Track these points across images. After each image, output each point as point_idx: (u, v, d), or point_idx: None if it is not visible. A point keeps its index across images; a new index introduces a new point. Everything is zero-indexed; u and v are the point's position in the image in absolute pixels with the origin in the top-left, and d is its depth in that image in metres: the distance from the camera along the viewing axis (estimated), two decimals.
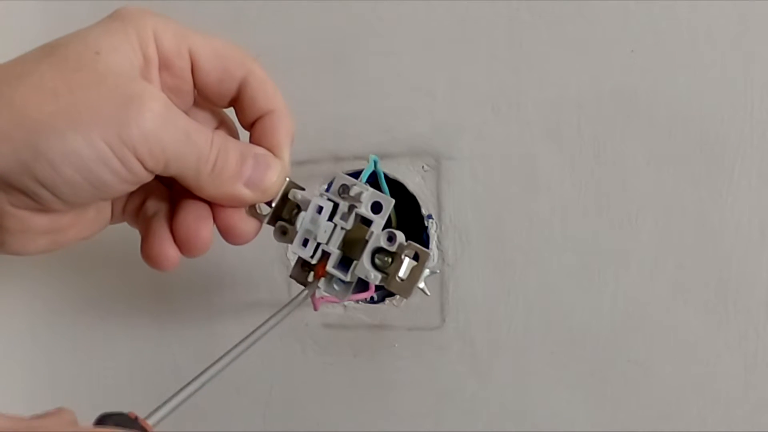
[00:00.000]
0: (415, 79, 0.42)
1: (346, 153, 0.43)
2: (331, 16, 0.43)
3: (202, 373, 0.28)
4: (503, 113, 0.40)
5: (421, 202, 0.42)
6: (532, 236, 0.40)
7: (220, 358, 0.28)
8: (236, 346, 0.29)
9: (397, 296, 0.42)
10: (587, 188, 0.39)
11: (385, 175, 0.42)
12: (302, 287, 0.34)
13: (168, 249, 0.31)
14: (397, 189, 0.42)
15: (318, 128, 0.43)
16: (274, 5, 0.44)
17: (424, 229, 0.42)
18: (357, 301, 0.43)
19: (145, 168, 0.27)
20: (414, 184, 0.42)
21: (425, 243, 0.42)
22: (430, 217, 0.42)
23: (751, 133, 0.36)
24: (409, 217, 0.42)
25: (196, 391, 0.27)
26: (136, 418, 0.24)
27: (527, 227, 0.40)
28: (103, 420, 0.24)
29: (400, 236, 0.32)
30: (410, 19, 0.41)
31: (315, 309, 0.35)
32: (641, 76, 0.38)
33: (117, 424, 0.23)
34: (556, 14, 0.39)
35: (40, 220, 0.28)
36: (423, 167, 0.42)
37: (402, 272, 0.32)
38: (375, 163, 0.36)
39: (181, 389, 0.27)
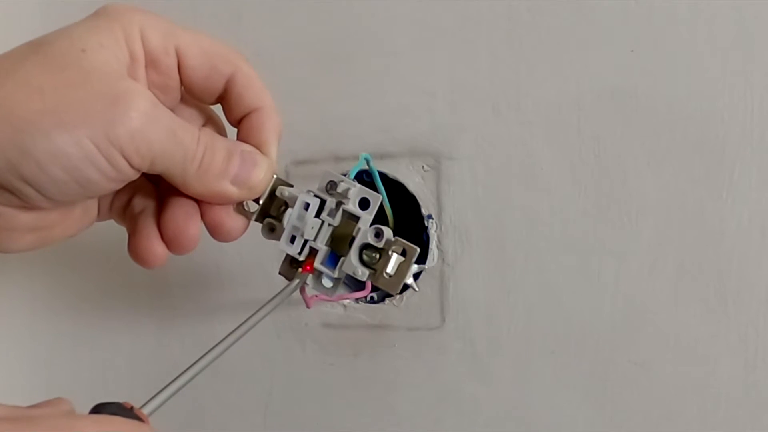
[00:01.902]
0: (415, 79, 0.42)
1: (346, 153, 0.43)
2: (331, 16, 0.43)
3: (196, 362, 0.28)
4: (503, 113, 0.40)
5: (421, 202, 0.42)
6: (532, 236, 0.40)
7: (215, 347, 0.28)
8: (230, 334, 0.29)
9: (397, 296, 0.42)
10: (587, 188, 0.39)
11: (385, 176, 0.42)
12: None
13: (155, 246, 0.31)
14: (397, 189, 0.42)
15: (318, 128, 0.43)
16: (274, 5, 0.44)
17: (424, 229, 0.42)
18: (356, 300, 0.43)
19: (132, 166, 0.27)
20: (414, 184, 0.42)
21: (425, 243, 0.42)
22: (430, 217, 0.42)
23: (751, 133, 0.36)
24: (409, 217, 0.42)
25: (190, 379, 0.27)
26: (131, 408, 0.24)
27: (527, 227, 0.40)
28: (98, 409, 0.24)
29: (388, 232, 0.32)
30: (410, 19, 0.41)
31: (308, 307, 0.35)
32: (641, 76, 0.37)
33: (112, 414, 0.23)
34: (556, 14, 0.39)
35: (26, 218, 0.28)
36: (423, 167, 0.42)
37: (389, 268, 0.32)
38: (367, 161, 0.36)
39: (175, 378, 0.27)
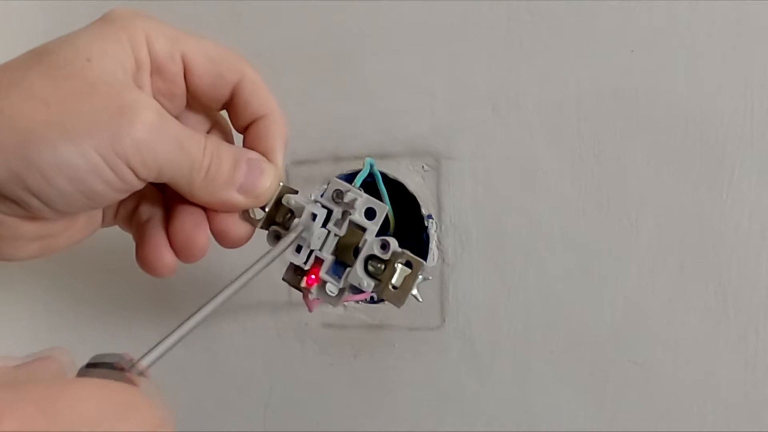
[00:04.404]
0: (415, 79, 0.42)
1: (346, 153, 0.43)
2: (331, 16, 0.43)
3: (195, 313, 0.27)
4: (503, 113, 0.40)
5: (421, 202, 0.42)
6: (532, 236, 0.40)
7: (215, 297, 0.28)
8: (232, 282, 0.29)
9: None
10: (587, 188, 0.39)
11: (386, 176, 0.42)
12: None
13: (165, 255, 0.31)
14: (397, 189, 0.42)
15: (318, 128, 0.43)
16: (275, 5, 0.44)
17: (424, 229, 0.42)
18: (357, 302, 0.43)
19: (138, 177, 0.27)
20: (414, 184, 0.42)
21: (425, 243, 0.42)
22: (430, 217, 0.42)
23: (751, 133, 0.36)
24: (409, 217, 0.42)
25: (191, 330, 0.26)
26: (132, 360, 0.23)
27: (527, 227, 0.40)
28: (95, 363, 0.23)
29: (394, 244, 0.31)
30: (410, 19, 0.41)
31: (309, 310, 0.34)
32: (641, 76, 0.37)
33: (109, 369, 0.22)
34: (556, 14, 0.39)
35: (30, 227, 0.28)
36: (423, 167, 0.42)
37: (395, 280, 0.31)
38: (371, 166, 0.36)
39: (174, 330, 0.26)
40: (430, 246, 0.42)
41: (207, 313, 0.27)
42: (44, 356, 0.23)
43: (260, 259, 0.30)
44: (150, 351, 0.25)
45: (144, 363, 0.24)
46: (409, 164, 0.42)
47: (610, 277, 0.39)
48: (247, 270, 0.29)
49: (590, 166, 0.39)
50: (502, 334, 0.41)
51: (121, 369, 0.23)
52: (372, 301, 0.43)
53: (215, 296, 0.28)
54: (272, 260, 0.30)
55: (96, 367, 0.23)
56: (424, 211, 0.42)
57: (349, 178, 0.33)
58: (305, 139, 0.43)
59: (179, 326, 0.26)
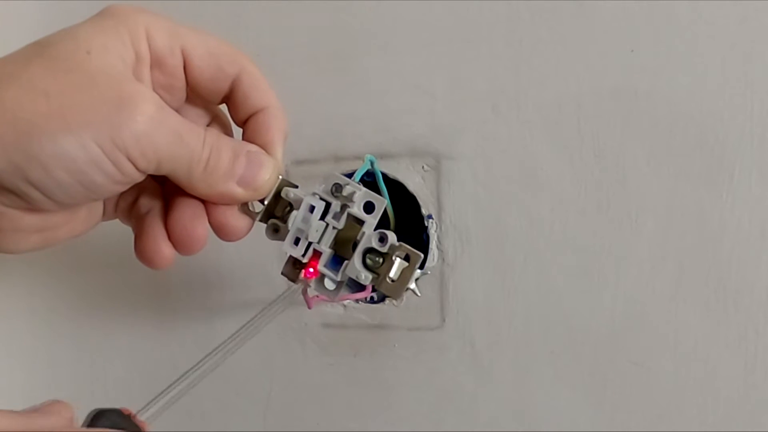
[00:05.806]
0: (415, 79, 0.42)
1: (346, 153, 0.43)
2: (331, 16, 0.43)
3: (196, 366, 0.27)
4: (503, 113, 0.40)
5: (421, 202, 0.42)
6: (532, 236, 0.40)
7: (214, 352, 0.28)
8: (231, 338, 0.29)
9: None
10: (587, 188, 0.39)
11: (386, 176, 0.42)
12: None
13: (163, 247, 0.31)
14: (398, 189, 0.42)
15: (318, 128, 0.43)
16: (274, 5, 0.44)
17: (424, 229, 0.42)
18: (356, 301, 0.43)
19: (138, 169, 0.27)
20: (414, 184, 0.42)
21: (425, 243, 0.42)
22: (430, 217, 0.42)
23: (751, 133, 0.36)
24: (409, 217, 0.42)
25: (190, 386, 0.27)
26: (130, 414, 0.24)
27: (527, 227, 0.40)
28: (97, 416, 0.23)
29: (392, 237, 0.31)
30: (410, 19, 0.41)
31: (309, 307, 0.34)
32: (641, 76, 0.38)
33: (113, 423, 0.23)
34: (556, 14, 0.39)
35: (31, 220, 0.28)
36: (423, 167, 0.42)
37: (393, 273, 0.32)
38: (372, 162, 0.36)
39: (174, 382, 0.27)
40: (430, 246, 0.42)
41: (210, 367, 0.28)
42: (52, 405, 0.24)
43: (259, 313, 0.30)
44: (148, 405, 0.25)
45: (144, 417, 0.25)
46: (409, 164, 0.42)
47: (610, 277, 0.39)
48: (247, 323, 0.30)
49: (590, 166, 0.39)
50: (502, 334, 0.41)
51: (129, 415, 0.24)
52: (372, 300, 0.43)
53: (216, 349, 0.29)
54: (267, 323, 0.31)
55: (103, 416, 0.23)
56: (424, 211, 0.42)
57: (349, 177, 0.33)
58: (305, 138, 0.43)
59: (178, 379, 0.27)
